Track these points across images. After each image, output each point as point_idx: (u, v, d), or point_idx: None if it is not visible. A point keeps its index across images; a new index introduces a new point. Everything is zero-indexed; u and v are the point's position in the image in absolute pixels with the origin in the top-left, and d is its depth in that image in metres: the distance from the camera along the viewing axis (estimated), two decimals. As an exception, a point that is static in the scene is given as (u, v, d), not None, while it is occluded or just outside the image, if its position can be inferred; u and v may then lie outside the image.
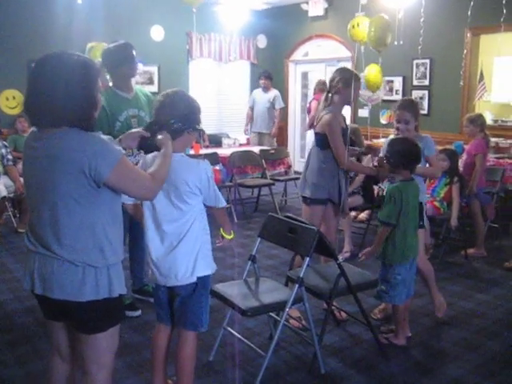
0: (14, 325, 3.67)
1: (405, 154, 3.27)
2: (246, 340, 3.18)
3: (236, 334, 3.21)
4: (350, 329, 3.64)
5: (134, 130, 2.41)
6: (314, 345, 3.03)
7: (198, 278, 2.46)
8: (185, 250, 2.44)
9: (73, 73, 1.89)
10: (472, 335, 3.57)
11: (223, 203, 2.59)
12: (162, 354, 2.64)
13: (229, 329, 3.23)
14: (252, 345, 3.13)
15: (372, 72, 6.16)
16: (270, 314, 3.21)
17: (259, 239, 3.39)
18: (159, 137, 2.31)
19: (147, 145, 2.35)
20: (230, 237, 2.76)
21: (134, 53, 3.68)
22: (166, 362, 2.68)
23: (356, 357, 3.29)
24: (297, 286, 2.92)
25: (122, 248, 2.14)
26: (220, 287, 3.11)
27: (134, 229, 3.64)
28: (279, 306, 2.94)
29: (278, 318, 3.06)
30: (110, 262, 2.01)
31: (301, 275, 2.92)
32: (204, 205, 2.54)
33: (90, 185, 1.90)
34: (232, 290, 3.06)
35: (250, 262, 3.32)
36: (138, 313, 3.79)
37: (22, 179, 5.84)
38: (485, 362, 3.23)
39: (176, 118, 2.38)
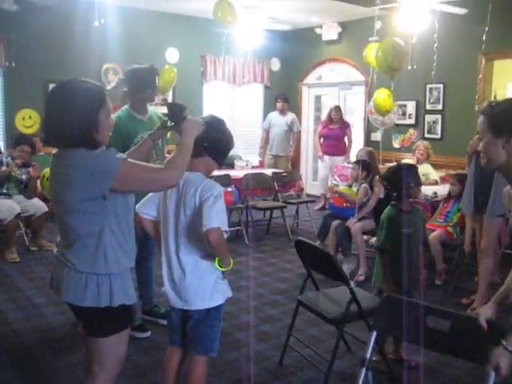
0: (21, 344, 3.65)
1: None
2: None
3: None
4: (360, 354, 3.57)
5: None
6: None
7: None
8: (200, 276, 2.41)
9: (75, 100, 2.05)
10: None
11: (217, 225, 2.30)
12: (172, 377, 2.61)
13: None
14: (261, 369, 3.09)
15: (380, 96, 6.17)
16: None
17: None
18: (188, 117, 2.30)
19: (175, 112, 2.36)
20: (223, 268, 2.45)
21: (157, 79, 3.70)
22: None
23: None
24: (364, 369, 2.23)
25: (130, 259, 2.23)
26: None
27: (142, 249, 3.61)
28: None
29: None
30: (111, 271, 2.13)
31: (367, 356, 2.25)
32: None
33: (94, 198, 2.05)
34: None
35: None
36: (148, 334, 3.75)
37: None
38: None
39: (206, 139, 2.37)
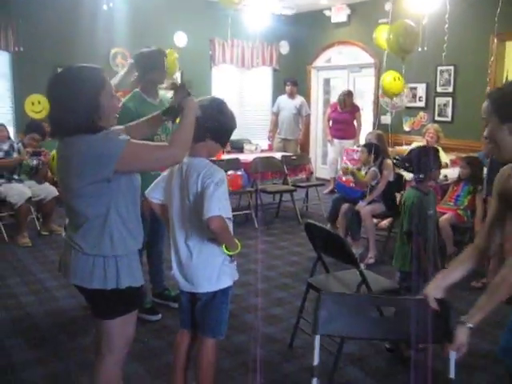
0: (34, 326, 3.70)
1: None
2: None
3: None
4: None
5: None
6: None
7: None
8: (207, 259, 2.42)
9: (73, 88, 2.04)
10: (492, 345, 3.50)
11: (217, 213, 2.27)
12: (183, 359, 2.63)
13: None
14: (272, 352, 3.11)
15: (387, 79, 6.10)
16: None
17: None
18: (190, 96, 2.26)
19: (173, 110, 2.33)
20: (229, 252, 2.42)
21: (166, 60, 3.69)
22: (187, 368, 2.67)
23: (376, 366, 3.25)
24: (314, 379, 2.04)
25: (136, 240, 2.23)
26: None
27: (152, 232, 3.64)
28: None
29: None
30: (117, 253, 2.13)
31: (315, 363, 2.03)
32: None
33: (99, 181, 2.04)
34: None
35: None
36: (158, 317, 3.79)
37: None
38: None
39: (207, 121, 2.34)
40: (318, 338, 1.99)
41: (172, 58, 6.69)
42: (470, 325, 1.89)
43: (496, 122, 1.80)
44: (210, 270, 2.42)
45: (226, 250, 2.39)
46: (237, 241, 2.44)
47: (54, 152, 5.71)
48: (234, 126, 2.48)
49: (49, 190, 5.97)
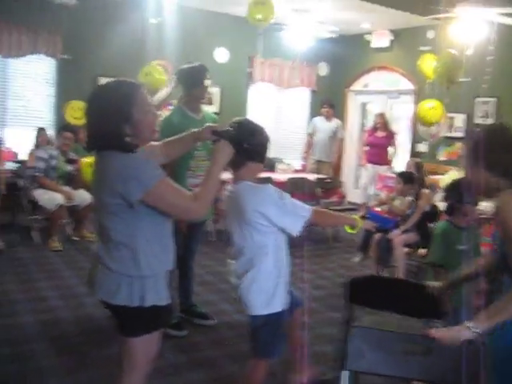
0: (62, 332, 3.72)
1: None
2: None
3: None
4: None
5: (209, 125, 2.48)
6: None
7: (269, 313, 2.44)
8: (255, 284, 2.40)
9: (104, 104, 2.05)
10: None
11: (307, 212, 2.38)
12: None
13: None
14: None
15: (425, 107, 6.03)
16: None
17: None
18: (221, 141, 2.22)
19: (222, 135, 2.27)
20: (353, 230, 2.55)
21: (208, 76, 3.72)
22: None
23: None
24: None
25: (164, 264, 2.20)
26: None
27: (184, 248, 3.63)
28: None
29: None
30: (143, 274, 2.11)
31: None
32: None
33: (125, 204, 2.03)
34: None
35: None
36: (184, 333, 3.75)
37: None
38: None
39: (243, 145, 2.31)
40: (346, 374, 1.90)
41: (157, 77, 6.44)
42: (478, 330, 1.82)
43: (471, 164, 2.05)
44: (262, 294, 2.40)
45: (348, 229, 2.51)
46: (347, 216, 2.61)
47: (86, 159, 5.82)
48: (267, 138, 2.46)
49: (84, 197, 6.04)
